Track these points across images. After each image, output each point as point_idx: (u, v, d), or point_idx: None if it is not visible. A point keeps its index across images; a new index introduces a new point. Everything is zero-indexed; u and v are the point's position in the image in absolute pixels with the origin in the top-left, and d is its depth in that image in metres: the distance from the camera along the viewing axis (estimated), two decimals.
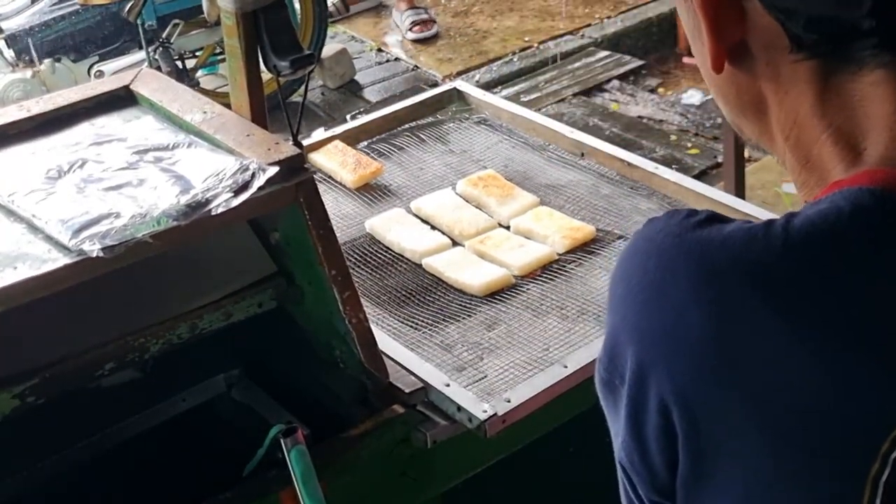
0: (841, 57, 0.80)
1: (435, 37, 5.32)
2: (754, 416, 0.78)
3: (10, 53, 4.49)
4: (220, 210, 1.57)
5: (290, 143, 1.85)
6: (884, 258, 0.77)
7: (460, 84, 2.83)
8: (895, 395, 0.75)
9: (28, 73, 4.47)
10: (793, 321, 0.77)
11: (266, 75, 1.89)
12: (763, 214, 2.17)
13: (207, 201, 1.59)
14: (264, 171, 1.63)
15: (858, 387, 0.76)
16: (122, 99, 1.90)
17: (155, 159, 1.71)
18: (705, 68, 0.89)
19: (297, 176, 1.68)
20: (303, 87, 2.13)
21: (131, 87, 1.91)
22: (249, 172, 1.63)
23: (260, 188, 1.61)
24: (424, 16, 5.36)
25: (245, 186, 1.62)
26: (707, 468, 0.81)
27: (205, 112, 1.81)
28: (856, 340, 0.76)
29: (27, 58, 4.48)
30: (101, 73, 4.48)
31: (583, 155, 2.51)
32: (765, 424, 0.78)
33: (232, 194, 1.60)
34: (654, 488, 0.86)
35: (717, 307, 0.78)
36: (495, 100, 2.76)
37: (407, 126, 2.68)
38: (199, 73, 4.63)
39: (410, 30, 5.31)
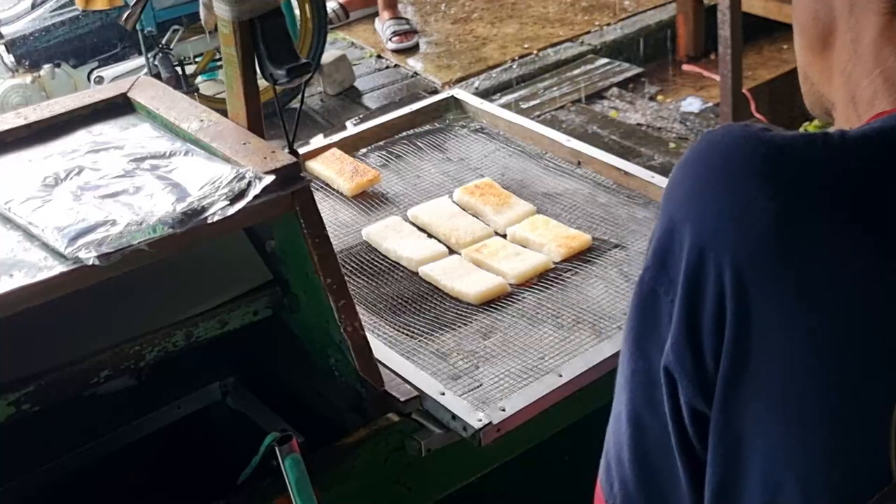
0: None
1: (415, 47, 5.35)
2: (804, 308, 0.82)
3: (9, 59, 4.49)
4: (215, 218, 1.58)
5: (287, 151, 1.85)
6: None
7: (458, 92, 2.84)
8: None
9: (28, 78, 4.47)
10: (846, 226, 0.82)
11: (263, 83, 1.89)
12: None
13: (203, 209, 1.59)
14: (260, 179, 1.63)
15: None
16: (119, 106, 1.91)
17: (151, 167, 1.72)
18: None
19: (293, 184, 1.68)
20: (301, 94, 2.13)
21: (128, 94, 1.91)
22: (245, 181, 1.63)
23: (256, 197, 1.62)
24: (406, 27, 5.39)
25: (241, 195, 1.62)
26: (750, 361, 0.84)
27: (202, 120, 1.82)
28: None
29: (27, 63, 4.48)
30: (100, 79, 4.48)
31: (580, 163, 2.51)
32: (813, 317, 0.82)
33: (228, 203, 1.60)
34: (701, 390, 0.88)
35: (784, 199, 0.83)
36: (493, 108, 2.77)
37: (404, 134, 2.68)
38: (199, 78, 4.64)
39: (391, 40, 5.34)
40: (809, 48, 0.95)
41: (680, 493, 0.95)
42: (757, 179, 0.83)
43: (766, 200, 0.83)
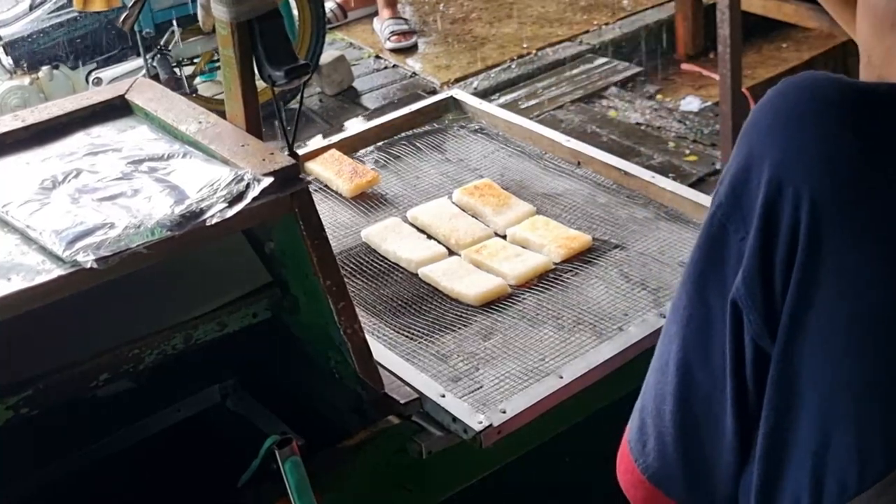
0: None
1: (413, 47, 5.34)
2: (881, 244, 0.83)
3: (8, 60, 4.48)
4: (214, 220, 1.57)
5: (286, 152, 1.85)
6: None
7: (457, 93, 2.83)
8: None
9: (26, 80, 4.47)
10: None
11: (262, 84, 1.89)
12: None
13: (202, 211, 1.58)
14: (259, 181, 1.63)
15: None
16: (117, 108, 1.90)
17: (149, 169, 1.71)
18: None
19: (291, 186, 1.67)
20: (300, 95, 2.12)
21: (126, 96, 1.91)
22: (244, 183, 1.63)
23: (254, 199, 1.61)
24: (404, 26, 5.38)
25: (240, 197, 1.61)
26: (818, 294, 0.85)
27: (200, 122, 1.81)
28: None
29: (25, 65, 4.47)
30: (99, 81, 4.47)
31: (579, 164, 2.51)
32: (886, 254, 0.82)
33: (226, 205, 1.59)
34: (768, 323, 0.88)
35: (869, 137, 0.84)
36: (492, 108, 2.76)
37: (404, 135, 2.68)
38: (198, 79, 4.63)
39: (389, 39, 5.33)
40: (877, 29, 0.95)
41: (721, 447, 0.95)
42: (843, 115, 0.85)
43: (852, 136, 0.84)
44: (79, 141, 1.81)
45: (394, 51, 5.33)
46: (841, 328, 0.84)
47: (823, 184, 0.84)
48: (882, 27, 0.94)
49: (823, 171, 0.84)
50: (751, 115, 0.91)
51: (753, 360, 0.91)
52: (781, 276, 0.87)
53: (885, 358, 0.83)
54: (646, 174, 2.42)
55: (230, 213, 1.59)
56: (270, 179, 1.63)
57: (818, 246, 0.84)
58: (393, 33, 5.34)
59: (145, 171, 1.70)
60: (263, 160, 1.69)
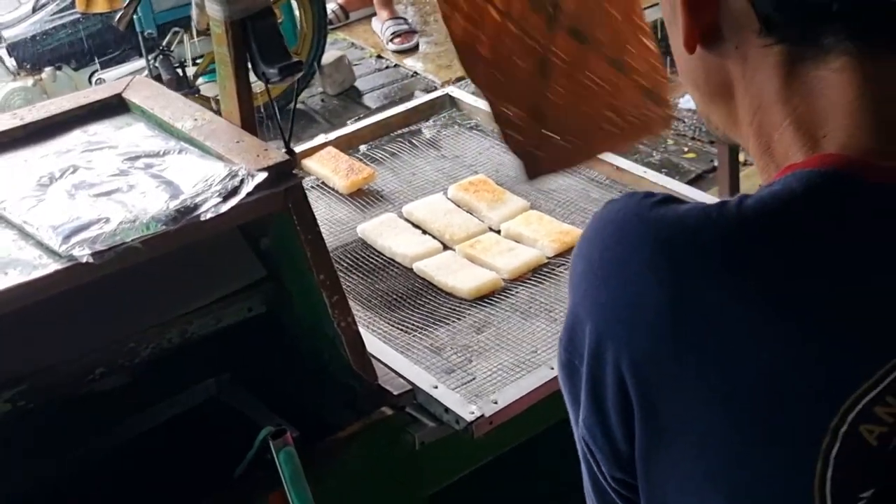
0: (807, 43, 0.82)
1: (415, 47, 5.34)
2: (707, 389, 0.79)
3: (11, 62, 4.52)
4: (208, 216, 1.60)
5: (282, 149, 1.87)
6: (831, 235, 0.79)
7: (453, 90, 2.85)
8: (843, 368, 0.76)
9: (29, 81, 4.50)
10: (744, 296, 0.78)
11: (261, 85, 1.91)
12: None
13: (196, 206, 1.61)
14: (253, 176, 1.65)
15: (807, 360, 0.77)
16: (114, 107, 1.92)
17: (145, 166, 1.74)
18: (679, 51, 0.90)
19: (285, 182, 1.70)
20: (305, 92, 2.15)
21: (123, 94, 1.93)
22: (238, 178, 1.65)
23: (248, 194, 1.63)
24: (405, 27, 5.37)
25: (234, 192, 1.64)
26: (663, 441, 0.82)
27: (195, 119, 1.83)
28: (804, 315, 0.78)
29: (28, 66, 4.50)
30: (101, 82, 4.50)
31: None
32: (718, 398, 0.79)
33: (220, 200, 1.62)
34: (617, 464, 0.87)
35: (673, 282, 0.79)
36: (487, 105, 2.78)
37: (400, 132, 2.70)
38: (200, 80, 4.65)
39: (391, 41, 5.33)
40: (709, 99, 0.92)
41: None
42: (647, 267, 0.80)
43: (658, 288, 0.79)
44: (76, 138, 1.84)
45: (396, 51, 5.35)
46: (696, 469, 0.81)
47: (638, 345, 0.80)
48: (712, 101, 0.91)
49: (635, 331, 0.81)
50: (573, 254, 0.87)
51: (616, 486, 0.89)
52: (619, 427, 0.84)
53: (745, 488, 0.80)
54: (638, 169, 2.44)
55: (224, 207, 1.61)
56: (264, 175, 1.65)
57: (651, 403, 0.81)
58: (395, 34, 5.35)
59: (141, 168, 1.73)
60: (258, 156, 1.72)
